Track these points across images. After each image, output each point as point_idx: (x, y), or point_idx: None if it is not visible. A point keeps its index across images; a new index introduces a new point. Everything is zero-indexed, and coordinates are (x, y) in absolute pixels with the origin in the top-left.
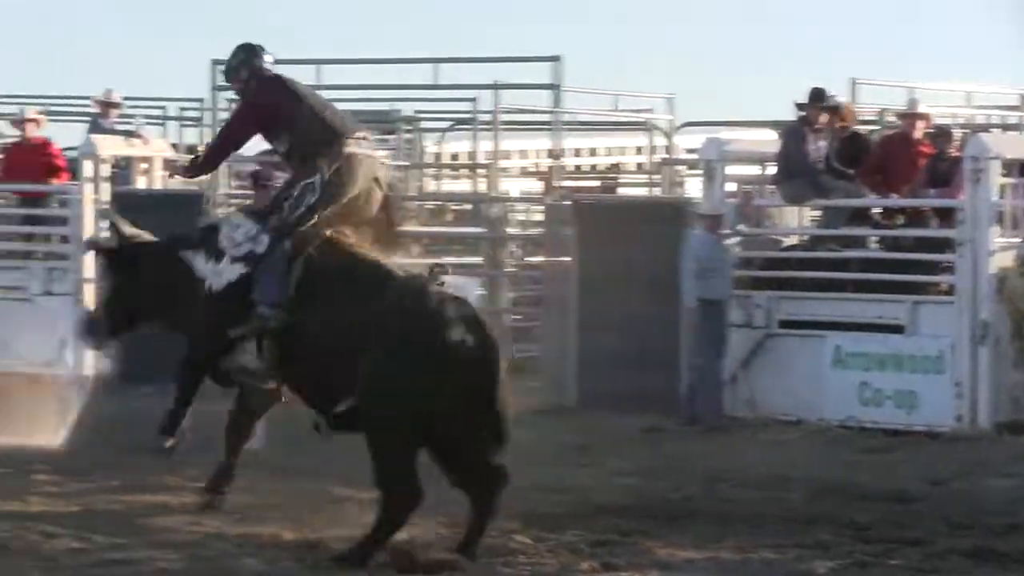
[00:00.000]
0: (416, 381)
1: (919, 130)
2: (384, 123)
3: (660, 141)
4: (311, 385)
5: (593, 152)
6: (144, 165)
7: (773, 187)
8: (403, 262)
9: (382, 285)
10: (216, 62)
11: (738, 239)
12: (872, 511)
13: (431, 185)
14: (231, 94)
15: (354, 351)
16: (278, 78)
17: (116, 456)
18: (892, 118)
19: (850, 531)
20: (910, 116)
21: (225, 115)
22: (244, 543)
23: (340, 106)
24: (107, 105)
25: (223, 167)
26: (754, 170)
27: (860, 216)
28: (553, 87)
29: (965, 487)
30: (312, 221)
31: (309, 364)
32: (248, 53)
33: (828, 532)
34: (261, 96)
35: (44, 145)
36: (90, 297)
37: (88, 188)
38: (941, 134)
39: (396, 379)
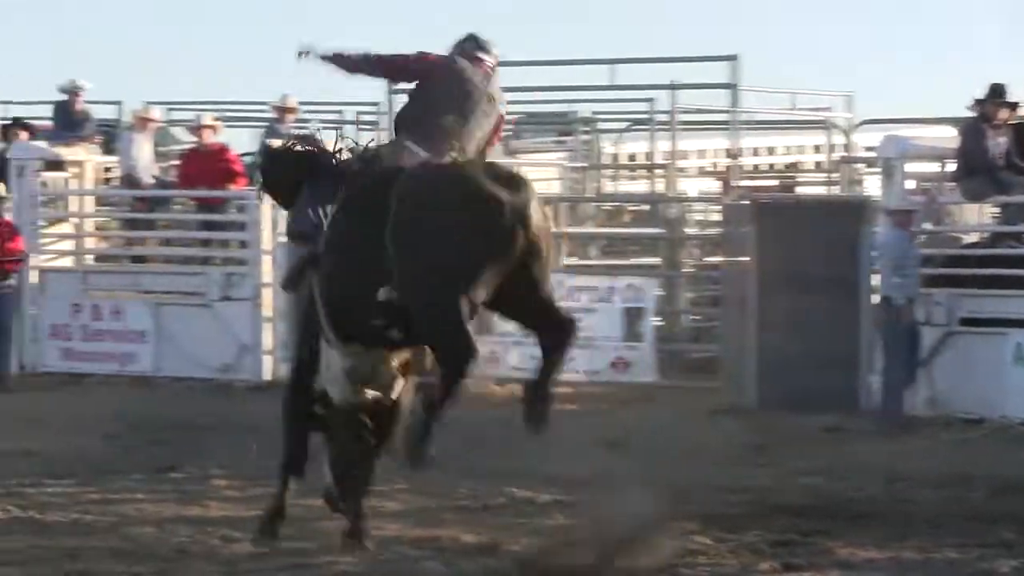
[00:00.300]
0: (444, 235)
1: None
2: (562, 124)
3: (839, 139)
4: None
5: (771, 151)
6: None
7: (953, 184)
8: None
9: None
10: None
11: (921, 237)
12: None
13: (608, 186)
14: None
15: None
16: (462, 69)
17: None
18: None
19: None
20: None
21: None
22: (423, 546)
23: (517, 107)
24: (284, 110)
25: None
26: (933, 167)
27: None
28: (731, 86)
29: None
30: None
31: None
32: (471, 40)
33: (1011, 531)
34: (443, 69)
35: (221, 151)
36: (268, 302)
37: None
38: None
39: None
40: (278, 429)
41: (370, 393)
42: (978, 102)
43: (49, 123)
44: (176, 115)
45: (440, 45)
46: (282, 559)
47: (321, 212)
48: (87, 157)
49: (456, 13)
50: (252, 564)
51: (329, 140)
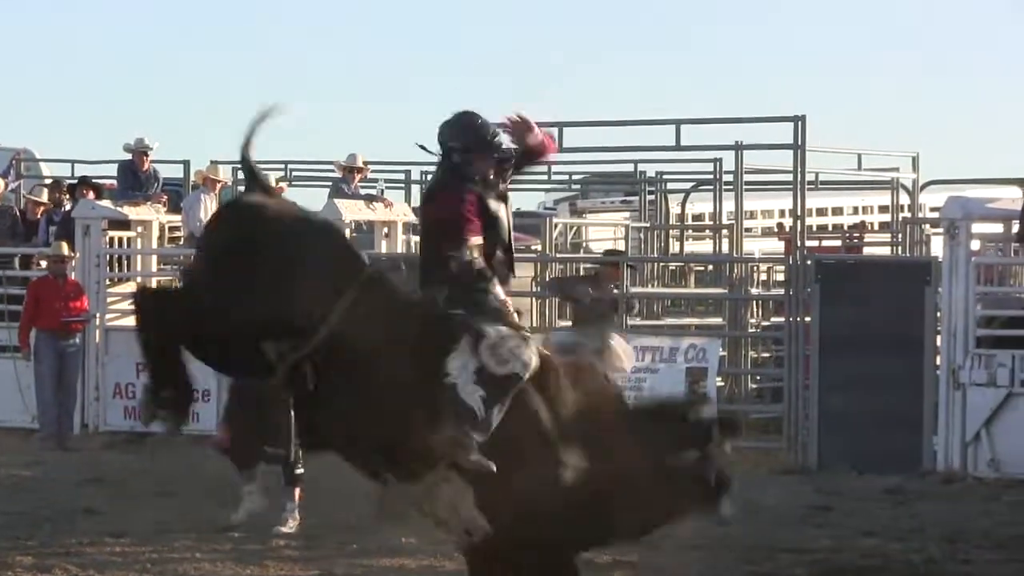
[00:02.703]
0: None
1: None
2: (628, 184)
3: (904, 199)
4: None
5: (837, 211)
6: (386, 229)
7: (1018, 244)
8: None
9: None
10: None
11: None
12: None
13: (674, 246)
14: None
15: None
16: None
17: (352, 519)
18: None
19: None
20: None
21: None
22: None
23: (583, 168)
24: (350, 170)
25: None
26: (998, 228)
27: None
28: (796, 147)
29: None
30: None
31: None
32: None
33: None
34: None
35: None
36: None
37: None
38: None
39: None
40: (332, 491)
41: None
42: None
43: (115, 182)
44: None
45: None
46: None
47: None
48: (153, 216)
49: (518, 65)
50: None
51: None
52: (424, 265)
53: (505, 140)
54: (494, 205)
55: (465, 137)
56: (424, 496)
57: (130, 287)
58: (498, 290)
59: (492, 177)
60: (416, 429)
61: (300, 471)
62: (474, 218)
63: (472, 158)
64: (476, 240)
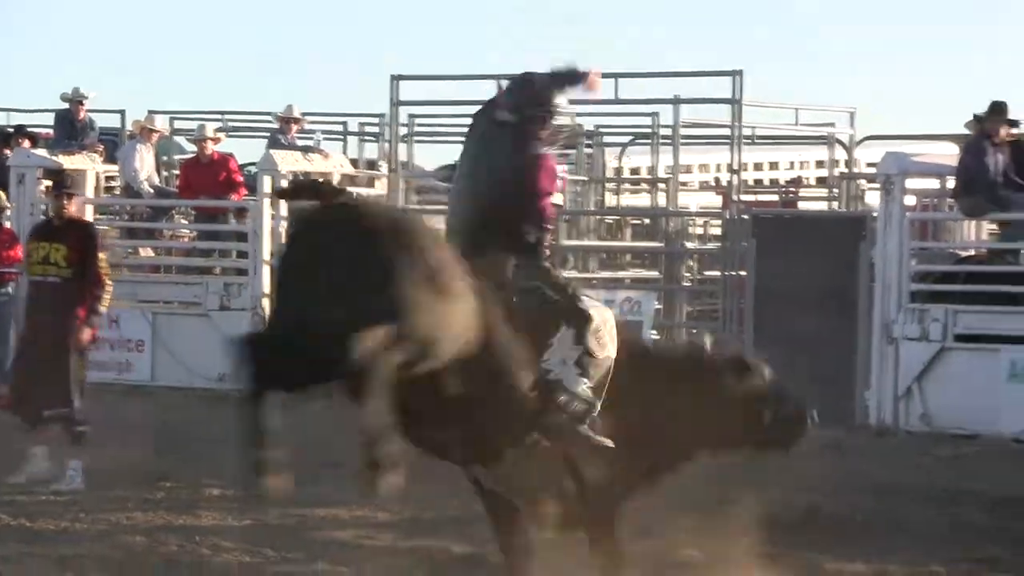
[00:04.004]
0: None
1: None
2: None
3: (841, 155)
4: None
5: (773, 166)
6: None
7: (952, 200)
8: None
9: None
10: (396, 77)
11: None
12: None
13: (611, 199)
14: (412, 109)
15: None
16: None
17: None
18: None
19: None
20: None
21: (405, 130)
22: (414, 557)
23: None
24: (287, 121)
25: (402, 183)
26: (933, 184)
27: None
28: (733, 101)
29: None
30: None
31: None
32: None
33: (1000, 547)
34: None
35: (223, 161)
36: (267, 311)
37: (266, 203)
38: None
39: None
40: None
41: None
42: (978, 119)
43: (51, 131)
44: (180, 124)
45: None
46: (272, 568)
47: None
48: (89, 166)
49: (462, 15)
50: (241, 573)
51: None
52: (495, 225)
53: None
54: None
55: (557, 101)
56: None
57: None
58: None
59: None
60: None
61: (83, 429)
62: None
63: (555, 122)
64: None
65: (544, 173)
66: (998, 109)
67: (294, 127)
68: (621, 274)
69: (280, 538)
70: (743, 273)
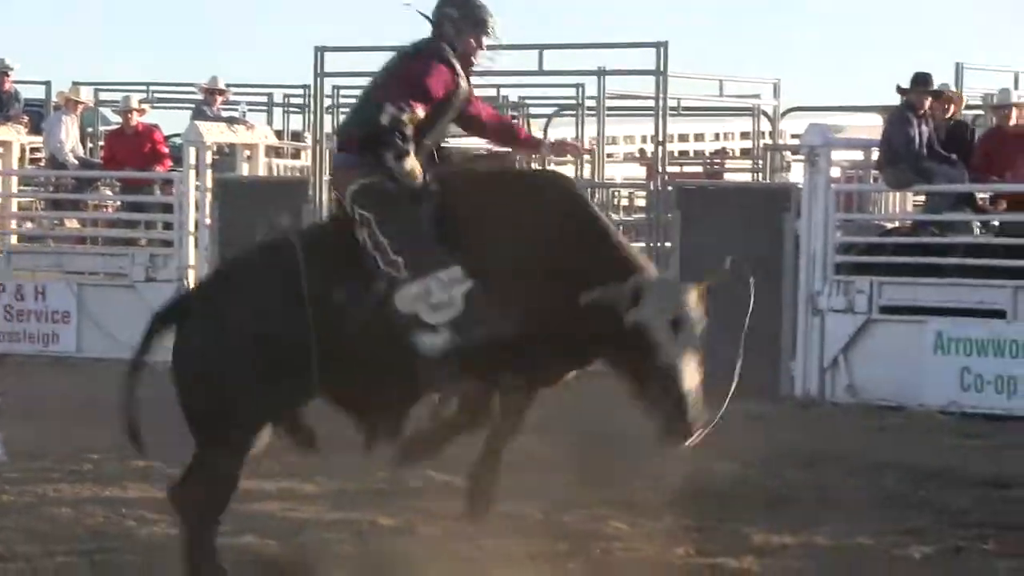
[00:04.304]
0: None
1: (1014, 119)
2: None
3: (765, 126)
4: None
5: (698, 138)
6: (247, 152)
7: (877, 172)
8: None
9: None
10: (320, 49)
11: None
12: (971, 497)
13: None
14: (337, 81)
15: None
16: None
17: None
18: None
19: (948, 517)
20: (1004, 108)
21: (329, 102)
22: (340, 529)
23: None
24: (212, 92)
25: (327, 154)
26: (858, 155)
27: (963, 201)
28: (658, 73)
29: None
30: None
31: None
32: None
33: (925, 518)
34: None
35: (148, 132)
36: (193, 283)
37: (191, 175)
38: None
39: None
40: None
41: None
42: (902, 90)
43: None
44: (105, 96)
45: None
46: None
47: None
48: (13, 137)
49: None
50: (167, 545)
51: None
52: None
53: (497, 32)
54: (460, 95)
55: (465, 9)
56: None
57: None
58: (413, 162)
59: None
60: None
61: None
62: (437, 94)
63: (465, 33)
64: (420, 112)
65: (432, 71)
66: (922, 80)
67: (219, 98)
68: None
69: None
70: (668, 244)
